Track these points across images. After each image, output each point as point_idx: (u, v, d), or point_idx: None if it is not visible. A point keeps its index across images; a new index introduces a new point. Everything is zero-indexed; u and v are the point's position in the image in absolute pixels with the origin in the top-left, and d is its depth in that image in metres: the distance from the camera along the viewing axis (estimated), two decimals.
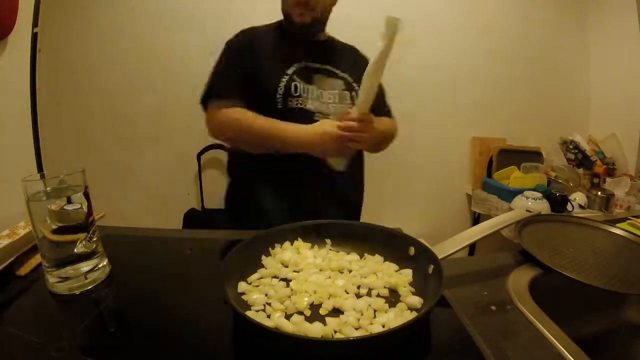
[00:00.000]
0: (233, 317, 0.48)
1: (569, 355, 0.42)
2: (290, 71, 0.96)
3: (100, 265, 0.58)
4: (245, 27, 1.04)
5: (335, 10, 1.05)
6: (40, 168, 1.10)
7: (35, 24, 1.04)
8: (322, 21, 1.04)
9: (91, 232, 0.57)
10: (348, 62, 1.07)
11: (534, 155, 2.18)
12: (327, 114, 0.97)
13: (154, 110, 2.13)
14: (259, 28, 1.05)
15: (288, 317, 0.48)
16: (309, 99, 0.96)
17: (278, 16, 1.05)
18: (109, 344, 0.46)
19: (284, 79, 0.94)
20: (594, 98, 2.38)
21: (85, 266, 0.56)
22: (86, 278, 0.55)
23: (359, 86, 0.96)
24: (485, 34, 2.19)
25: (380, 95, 1.09)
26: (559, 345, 0.44)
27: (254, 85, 0.94)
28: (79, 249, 0.55)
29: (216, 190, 2.28)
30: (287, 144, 0.88)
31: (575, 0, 2.31)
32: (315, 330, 0.44)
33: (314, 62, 1.00)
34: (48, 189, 0.55)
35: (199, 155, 2.19)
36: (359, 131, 0.84)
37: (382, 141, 1.06)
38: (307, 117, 0.94)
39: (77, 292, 0.54)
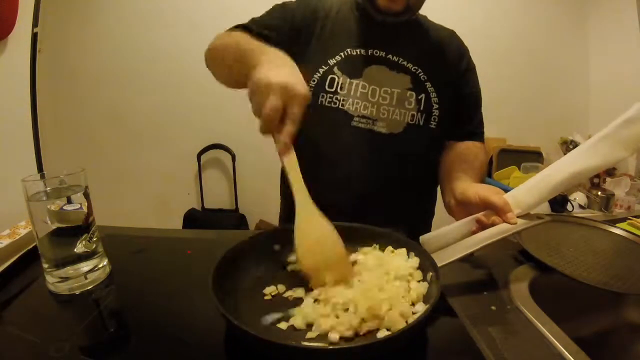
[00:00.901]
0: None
1: (569, 355, 0.42)
2: (332, 60, 0.78)
3: (100, 265, 0.58)
4: None
5: None
6: (40, 168, 1.10)
7: (35, 24, 1.04)
8: (414, 9, 0.81)
9: (91, 232, 0.57)
10: (430, 51, 0.82)
11: (534, 155, 2.18)
12: (374, 119, 0.77)
13: (154, 110, 2.13)
14: None
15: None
16: (350, 98, 0.77)
17: None
18: (108, 344, 0.46)
19: (321, 69, 0.77)
20: (594, 98, 2.38)
21: (85, 266, 0.56)
22: (86, 278, 0.55)
23: (433, 85, 0.79)
24: (485, 34, 2.19)
25: (474, 102, 0.87)
26: (559, 345, 0.44)
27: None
28: (79, 249, 0.55)
29: (216, 190, 2.29)
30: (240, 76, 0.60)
31: (575, 0, 2.32)
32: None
33: (377, 49, 0.79)
34: (48, 189, 0.54)
35: (199, 155, 2.19)
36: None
37: None
38: (343, 119, 0.77)
39: (77, 292, 0.54)
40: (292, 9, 0.81)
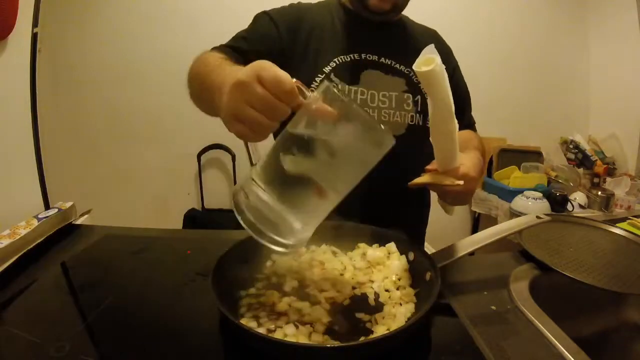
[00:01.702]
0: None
1: (569, 355, 0.43)
2: (328, 68, 0.77)
3: None
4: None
5: None
6: (40, 168, 1.10)
7: (35, 24, 1.04)
8: (401, 7, 0.81)
9: None
10: (419, 52, 0.89)
11: (534, 155, 2.18)
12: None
13: (154, 110, 2.13)
14: (311, 6, 0.84)
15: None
16: None
17: None
18: (108, 344, 0.46)
19: (317, 78, 0.77)
20: (594, 98, 2.38)
21: None
22: None
23: None
24: (485, 34, 2.19)
25: (461, 98, 0.86)
26: (559, 345, 0.44)
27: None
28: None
29: (216, 190, 2.29)
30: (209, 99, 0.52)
31: (575, 0, 2.32)
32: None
33: (369, 53, 0.79)
34: None
35: (199, 155, 2.19)
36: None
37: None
38: None
39: None
40: (275, 19, 0.79)
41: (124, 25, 2.01)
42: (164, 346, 0.45)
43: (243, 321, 0.46)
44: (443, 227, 2.28)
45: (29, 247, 0.63)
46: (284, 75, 0.39)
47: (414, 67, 0.52)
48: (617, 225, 0.76)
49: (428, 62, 0.51)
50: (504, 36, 2.24)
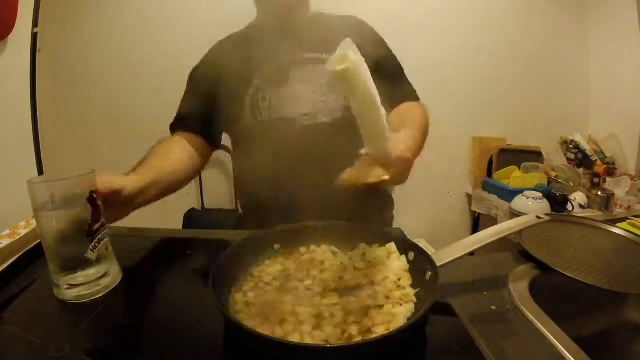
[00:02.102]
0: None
1: (569, 355, 0.42)
2: (256, 80, 0.83)
3: (110, 272, 0.56)
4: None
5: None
6: (40, 168, 1.10)
7: (35, 24, 1.04)
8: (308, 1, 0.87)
9: (96, 240, 0.54)
10: (339, 36, 0.91)
11: (534, 155, 2.18)
12: (315, 113, 0.83)
13: (155, 110, 2.12)
14: (232, 36, 0.92)
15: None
16: (286, 104, 0.82)
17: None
18: (108, 344, 0.46)
19: (249, 92, 0.82)
20: (594, 98, 2.38)
21: (95, 272, 0.53)
22: (99, 285, 0.54)
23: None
24: (485, 34, 2.19)
25: (394, 72, 0.90)
26: (559, 345, 0.44)
27: (221, 108, 0.83)
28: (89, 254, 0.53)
29: (216, 190, 2.29)
30: None
31: (575, 0, 2.32)
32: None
33: (293, 52, 0.85)
34: (56, 198, 0.51)
35: None
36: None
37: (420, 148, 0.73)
38: (290, 125, 0.81)
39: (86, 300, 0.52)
40: (204, 74, 0.88)
41: (124, 25, 2.01)
42: (164, 346, 0.45)
43: (243, 321, 0.46)
44: (443, 227, 2.30)
45: (29, 247, 0.63)
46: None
47: (327, 67, 0.49)
48: (617, 225, 0.76)
49: (342, 59, 0.49)
50: (504, 36, 2.24)
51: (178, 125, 0.90)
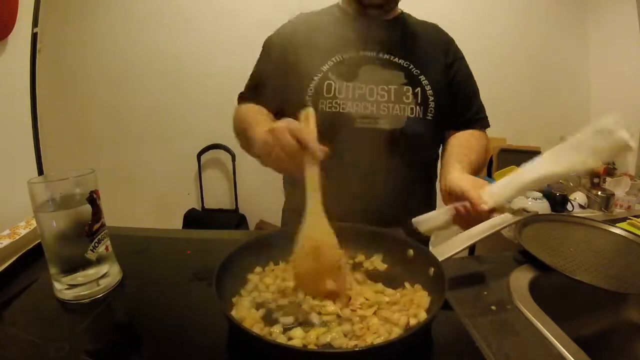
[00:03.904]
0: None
1: (569, 355, 0.43)
2: (325, 67, 0.80)
3: (109, 272, 0.56)
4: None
5: None
6: (40, 168, 1.10)
7: (35, 24, 1.04)
8: (396, 0, 0.85)
9: (96, 240, 0.54)
10: (418, 46, 0.85)
11: (534, 155, 2.17)
12: (376, 117, 0.79)
13: (154, 110, 2.13)
14: (310, 15, 0.89)
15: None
16: (349, 100, 0.79)
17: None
18: (108, 343, 0.46)
19: (315, 78, 0.80)
20: (594, 98, 2.38)
21: (94, 272, 0.54)
22: (98, 285, 0.54)
23: (427, 78, 0.81)
24: (485, 34, 2.19)
25: (470, 94, 0.90)
26: (559, 345, 0.44)
27: (286, 86, 0.81)
28: (89, 254, 0.53)
29: (216, 190, 2.29)
30: (252, 146, 0.66)
31: (575, 0, 2.32)
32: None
33: (368, 50, 0.82)
34: (57, 197, 0.52)
35: (199, 155, 2.19)
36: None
37: None
38: (346, 122, 0.78)
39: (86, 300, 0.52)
40: (277, 43, 0.85)
41: (124, 25, 2.02)
42: (164, 346, 0.45)
43: (244, 322, 0.46)
44: None
45: (29, 247, 0.63)
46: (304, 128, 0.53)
47: (610, 126, 0.57)
48: (617, 225, 0.76)
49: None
50: (504, 36, 2.24)
51: (249, 95, 0.86)
